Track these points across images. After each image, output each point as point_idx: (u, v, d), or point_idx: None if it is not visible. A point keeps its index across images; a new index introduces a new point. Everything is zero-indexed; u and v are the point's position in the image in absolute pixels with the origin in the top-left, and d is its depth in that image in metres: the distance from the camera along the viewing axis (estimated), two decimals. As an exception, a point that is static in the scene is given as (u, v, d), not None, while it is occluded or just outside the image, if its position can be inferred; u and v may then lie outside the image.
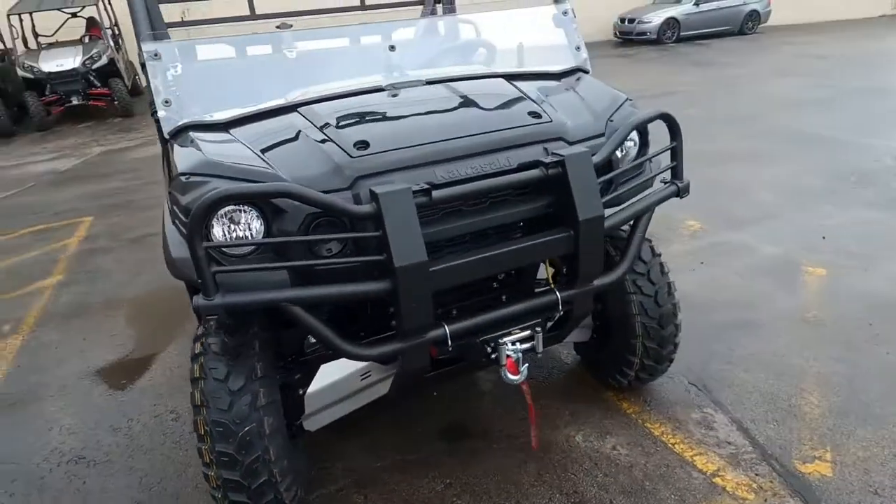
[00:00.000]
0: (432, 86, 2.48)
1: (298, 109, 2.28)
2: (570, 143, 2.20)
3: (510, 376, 2.15)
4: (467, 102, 2.36)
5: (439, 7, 3.68)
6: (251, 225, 1.91)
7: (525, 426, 2.73)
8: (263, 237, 1.90)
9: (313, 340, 2.27)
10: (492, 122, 2.21)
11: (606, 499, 2.36)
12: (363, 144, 2.02)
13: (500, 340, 2.14)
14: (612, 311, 2.70)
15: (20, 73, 11.79)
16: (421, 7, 3.81)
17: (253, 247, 1.90)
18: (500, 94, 2.45)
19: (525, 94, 2.39)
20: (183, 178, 1.94)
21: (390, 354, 2.05)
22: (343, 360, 2.19)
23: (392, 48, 2.60)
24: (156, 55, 2.26)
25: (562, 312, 2.27)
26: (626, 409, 2.83)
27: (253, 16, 3.78)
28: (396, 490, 2.48)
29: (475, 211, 2.07)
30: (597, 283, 2.28)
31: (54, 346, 3.83)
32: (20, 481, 2.71)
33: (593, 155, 2.12)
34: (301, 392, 2.29)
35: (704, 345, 3.25)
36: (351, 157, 1.98)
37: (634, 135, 2.42)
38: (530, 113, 2.25)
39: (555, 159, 2.05)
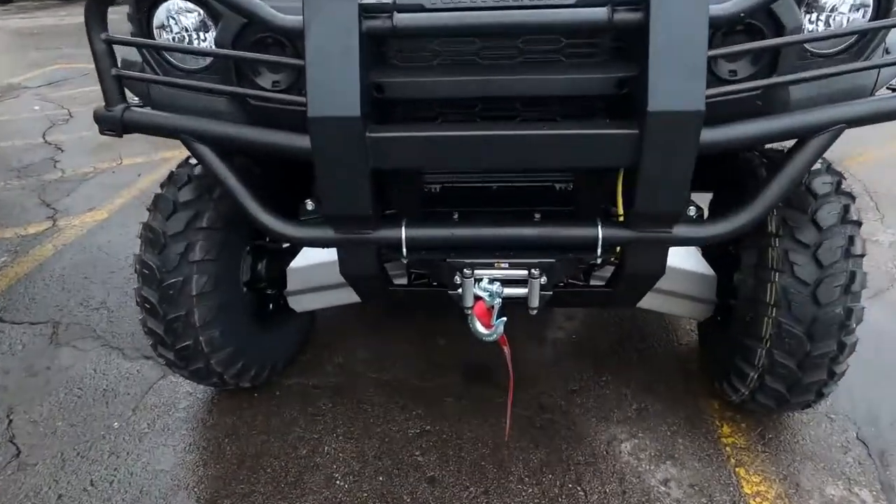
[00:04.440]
0: None
1: None
2: None
3: (479, 327, 1.44)
4: None
5: None
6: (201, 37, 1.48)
7: (571, 406, 1.99)
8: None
9: (310, 208, 1.79)
10: None
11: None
12: None
13: (474, 271, 1.42)
14: (740, 291, 1.72)
15: None
16: None
17: (206, 66, 1.48)
18: None
19: None
20: None
21: (318, 242, 1.51)
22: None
23: None
24: None
25: (599, 259, 1.45)
26: (723, 436, 1.88)
27: None
28: (370, 412, 1.99)
29: (498, 67, 1.32)
30: (678, 231, 1.38)
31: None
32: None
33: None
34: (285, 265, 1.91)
35: (925, 390, 2.02)
36: None
37: None
38: None
39: None
